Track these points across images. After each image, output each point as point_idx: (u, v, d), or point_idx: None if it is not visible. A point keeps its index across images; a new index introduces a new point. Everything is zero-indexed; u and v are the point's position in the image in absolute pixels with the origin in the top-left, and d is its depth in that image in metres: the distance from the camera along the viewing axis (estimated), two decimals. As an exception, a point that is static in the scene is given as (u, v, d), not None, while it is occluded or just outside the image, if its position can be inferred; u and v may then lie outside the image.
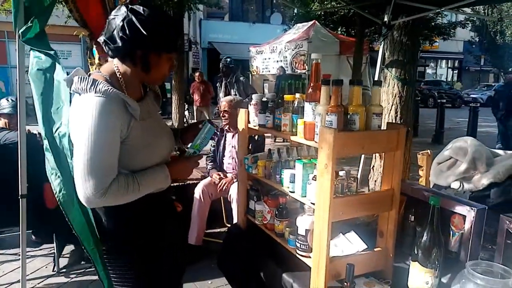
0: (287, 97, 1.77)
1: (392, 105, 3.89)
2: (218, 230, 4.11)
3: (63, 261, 3.41)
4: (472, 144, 2.53)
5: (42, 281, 3.16)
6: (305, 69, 9.84)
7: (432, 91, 21.28)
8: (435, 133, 9.60)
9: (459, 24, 16.18)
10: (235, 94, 6.17)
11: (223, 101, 3.77)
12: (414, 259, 1.46)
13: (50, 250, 3.50)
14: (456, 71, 30.71)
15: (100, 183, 1.30)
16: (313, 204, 1.55)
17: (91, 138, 1.28)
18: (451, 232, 1.63)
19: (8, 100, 3.39)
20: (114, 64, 1.44)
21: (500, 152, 2.38)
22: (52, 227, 3.11)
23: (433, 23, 14.02)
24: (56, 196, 2.01)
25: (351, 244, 1.66)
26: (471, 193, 2.22)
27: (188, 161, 1.63)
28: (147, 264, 1.54)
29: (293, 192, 1.72)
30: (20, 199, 2.16)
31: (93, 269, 3.21)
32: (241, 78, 5.93)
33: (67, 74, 2.02)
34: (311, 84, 1.61)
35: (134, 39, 1.36)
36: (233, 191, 3.53)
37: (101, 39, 1.41)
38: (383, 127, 1.60)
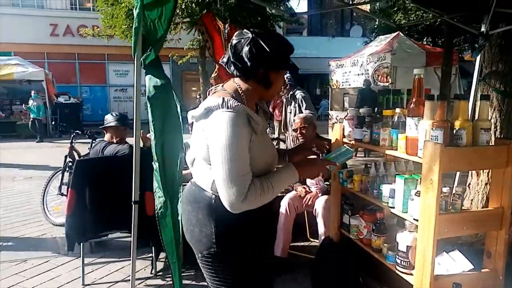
0: (386, 111, 1.78)
1: (491, 119, 3.64)
2: (302, 243, 4.12)
3: (159, 265, 3.67)
4: None
5: (142, 282, 3.41)
6: (388, 81, 9.54)
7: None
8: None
9: None
10: (290, 112, 6.24)
11: (297, 119, 3.85)
12: (530, 283, 1.38)
13: (148, 254, 3.78)
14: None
15: (240, 189, 1.44)
16: (416, 220, 1.54)
17: (228, 149, 1.43)
18: None
19: (112, 115, 3.76)
20: (236, 83, 1.60)
21: None
22: (150, 232, 3.38)
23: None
24: (155, 211, 2.23)
25: (455, 263, 1.61)
26: None
27: (316, 161, 1.76)
28: (248, 273, 1.63)
29: (393, 207, 1.71)
30: (133, 205, 2.39)
31: (187, 273, 3.48)
32: (298, 95, 5.98)
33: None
34: (413, 99, 1.61)
35: (260, 58, 1.51)
36: (318, 205, 3.55)
37: (224, 60, 1.58)
38: (492, 143, 1.54)
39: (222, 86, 1.64)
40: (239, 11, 9.39)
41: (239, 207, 1.46)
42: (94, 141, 4.60)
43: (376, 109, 1.88)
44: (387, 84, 9.67)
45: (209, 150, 1.50)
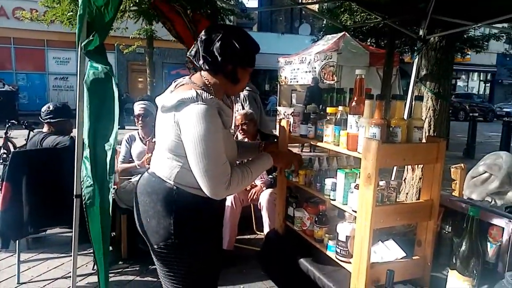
0: (330, 109, 1.86)
1: (425, 119, 3.92)
2: (248, 236, 4.20)
3: (103, 260, 3.58)
4: (507, 160, 2.55)
5: (83, 279, 3.31)
6: (334, 80, 9.87)
7: (463, 104, 20.87)
8: (467, 147, 9.44)
9: (493, 37, 15.83)
10: (237, 110, 6.36)
11: (238, 115, 3.93)
12: (453, 268, 1.52)
13: (89, 250, 3.66)
14: (489, 84, 29.97)
15: (223, 177, 1.51)
16: (355, 211, 1.63)
17: (206, 141, 1.47)
18: (489, 244, 1.67)
19: (50, 107, 3.51)
20: (203, 76, 1.64)
21: (537, 168, 2.39)
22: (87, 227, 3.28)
23: (465, 36, 13.79)
24: (84, 202, 2.17)
25: (389, 251, 1.73)
26: (505, 208, 2.25)
27: (289, 151, 2.01)
28: (202, 265, 1.68)
29: (334, 200, 1.80)
30: (75, 199, 2.31)
31: (131, 269, 3.42)
32: (241, 94, 6.10)
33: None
34: (355, 98, 1.70)
35: (230, 55, 1.56)
36: (263, 199, 3.63)
37: (192, 53, 1.62)
38: (424, 140, 1.67)
39: (190, 78, 1.66)
40: (189, 2, 9.26)
41: (223, 193, 1.54)
42: (32, 132, 4.35)
43: (320, 106, 1.96)
44: (332, 82, 10.00)
45: (179, 140, 1.53)
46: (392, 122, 1.60)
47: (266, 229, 3.57)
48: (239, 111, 5.01)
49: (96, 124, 2.23)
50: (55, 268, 3.45)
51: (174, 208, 1.60)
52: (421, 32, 3.83)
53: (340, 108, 1.83)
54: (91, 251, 3.54)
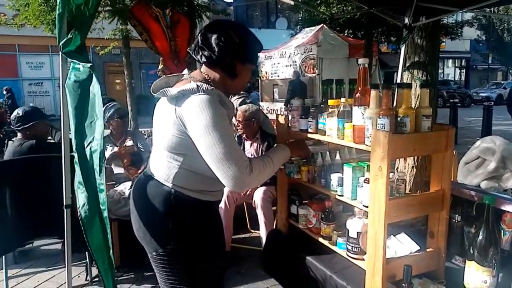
0: (331, 101, 1.79)
1: (414, 107, 3.90)
2: (243, 235, 4.13)
3: (95, 271, 3.44)
4: (501, 143, 2.54)
5: (76, 291, 3.19)
6: (315, 72, 9.85)
7: (440, 91, 21.21)
8: (449, 133, 9.59)
9: (466, 23, 16.14)
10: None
11: (238, 111, 3.80)
12: (470, 259, 1.48)
13: (81, 261, 3.52)
14: (464, 70, 30.61)
15: (243, 163, 1.40)
16: (366, 206, 1.57)
17: (215, 128, 1.38)
18: (502, 231, 1.64)
19: (17, 113, 3.32)
20: (203, 72, 1.58)
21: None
22: (83, 237, 3.16)
23: (440, 23, 14.00)
24: (78, 210, 2.05)
25: (403, 245, 1.67)
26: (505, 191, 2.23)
27: (301, 142, 1.90)
28: (205, 269, 1.59)
29: (342, 195, 1.74)
30: (65, 210, 2.19)
31: (126, 277, 3.31)
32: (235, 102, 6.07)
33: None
34: (359, 89, 1.63)
35: (227, 47, 1.50)
36: (257, 197, 3.55)
37: (192, 48, 1.58)
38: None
39: (189, 74, 1.61)
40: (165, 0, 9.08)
41: (246, 181, 1.42)
42: (11, 141, 4.16)
43: (309, 99, 1.89)
44: (313, 75, 9.98)
45: (181, 136, 1.45)
46: (400, 111, 1.54)
47: (262, 228, 3.50)
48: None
49: (82, 128, 2.11)
50: (45, 281, 3.30)
51: (172, 213, 1.53)
52: (406, 20, 3.79)
53: (343, 99, 1.77)
54: (84, 261, 3.44)
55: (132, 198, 1.66)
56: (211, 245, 1.62)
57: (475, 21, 17.16)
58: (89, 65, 2.13)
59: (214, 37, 1.51)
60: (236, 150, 1.41)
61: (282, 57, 11.24)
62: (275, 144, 2.85)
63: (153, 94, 1.57)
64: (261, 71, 12.27)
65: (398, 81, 3.96)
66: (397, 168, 4.28)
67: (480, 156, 2.62)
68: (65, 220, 2.21)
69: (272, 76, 11.76)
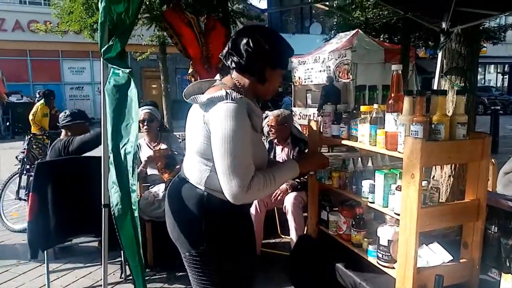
0: (364, 107, 1.79)
1: (450, 114, 3.80)
2: (273, 240, 4.14)
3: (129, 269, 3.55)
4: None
5: (112, 287, 3.30)
6: (349, 78, 9.75)
7: (481, 98, 20.42)
8: (492, 141, 9.21)
9: (510, 27, 15.43)
10: None
11: (271, 116, 3.83)
12: (507, 271, 1.43)
13: (116, 259, 3.64)
14: (506, 76, 29.32)
15: (243, 180, 1.44)
16: (397, 214, 1.56)
17: (231, 139, 1.42)
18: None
19: (65, 113, 3.60)
20: (234, 78, 1.61)
21: None
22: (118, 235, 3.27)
23: (481, 27, 13.45)
24: (112, 209, 2.13)
25: (435, 255, 1.64)
26: None
27: (316, 154, 1.90)
28: (236, 271, 1.63)
29: (373, 202, 1.73)
30: (103, 209, 2.29)
31: (158, 276, 3.40)
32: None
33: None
34: (392, 95, 1.62)
35: (256, 52, 1.52)
36: (288, 202, 3.56)
37: (223, 53, 1.61)
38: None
39: (220, 80, 1.65)
40: (200, 7, 9.26)
41: (241, 198, 1.46)
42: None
43: (341, 104, 1.89)
44: (347, 80, 9.88)
45: (208, 142, 1.49)
46: (434, 118, 1.52)
47: (293, 233, 3.50)
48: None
49: (118, 130, 2.20)
50: (83, 277, 3.44)
51: (205, 214, 1.57)
52: (444, 25, 3.70)
53: (375, 106, 1.76)
54: (118, 259, 3.56)
55: (167, 200, 1.71)
56: (242, 247, 1.64)
57: (519, 24, 16.34)
58: (128, 70, 2.21)
59: (243, 42, 1.54)
60: (241, 167, 1.44)
61: (316, 62, 11.20)
62: (306, 150, 2.87)
63: (185, 99, 1.62)
64: (294, 76, 12.27)
65: (435, 87, 3.87)
66: (433, 176, 4.17)
67: (521, 166, 2.54)
68: (102, 219, 2.29)
69: (305, 82, 11.73)
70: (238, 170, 1.43)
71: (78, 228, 3.18)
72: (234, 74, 1.62)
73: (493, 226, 1.77)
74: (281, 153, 3.82)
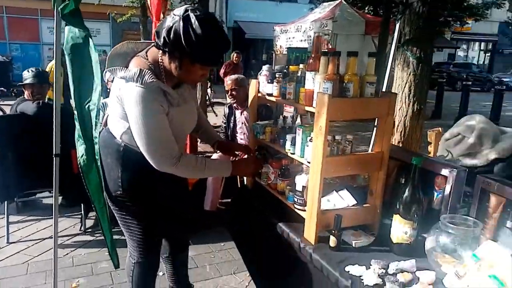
0: (292, 67, 1.93)
1: (406, 83, 3.97)
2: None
3: (89, 222, 3.73)
4: (480, 121, 2.63)
5: (70, 239, 3.50)
6: (329, 48, 9.82)
7: (461, 74, 20.71)
8: (458, 116, 9.48)
9: (494, 5, 15.42)
10: None
11: (229, 80, 3.98)
12: (396, 213, 1.64)
13: (78, 213, 3.79)
14: (489, 54, 29.60)
15: (163, 155, 1.58)
16: (309, 163, 1.74)
17: (141, 122, 1.53)
18: (435, 192, 1.78)
19: (29, 71, 3.61)
20: (159, 53, 1.62)
21: (509, 129, 2.47)
22: (79, 191, 3.37)
23: (465, 4, 13.48)
24: (77, 160, 2.27)
25: (342, 200, 1.84)
26: (476, 168, 2.35)
27: (251, 161, 2.04)
28: (154, 221, 1.88)
29: (293, 153, 1.91)
30: (54, 158, 2.40)
31: (116, 229, 3.56)
32: None
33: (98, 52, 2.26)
34: (312, 55, 1.77)
35: (173, 44, 1.51)
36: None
37: (155, 30, 1.66)
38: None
39: (147, 51, 1.68)
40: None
41: (167, 169, 1.61)
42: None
43: (278, 65, 2.03)
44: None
45: (124, 111, 1.61)
46: (345, 77, 1.67)
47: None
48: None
49: (80, 87, 2.30)
50: (43, 229, 3.61)
51: (121, 163, 1.73)
52: (403, -4, 3.82)
53: (301, 66, 1.91)
54: (79, 213, 3.71)
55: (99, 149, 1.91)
56: (162, 201, 1.83)
57: (504, 2, 16.28)
58: (84, 32, 2.26)
59: (167, 28, 1.49)
60: (160, 144, 1.57)
61: (297, 31, 11.18)
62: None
63: (106, 66, 1.65)
64: (276, 44, 12.24)
65: (391, 57, 4.02)
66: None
67: (460, 133, 2.73)
68: (54, 169, 2.42)
69: (286, 51, 11.73)
70: (156, 149, 1.57)
71: (37, 181, 3.32)
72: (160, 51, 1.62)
73: (402, 178, 1.96)
74: (240, 116, 3.97)
